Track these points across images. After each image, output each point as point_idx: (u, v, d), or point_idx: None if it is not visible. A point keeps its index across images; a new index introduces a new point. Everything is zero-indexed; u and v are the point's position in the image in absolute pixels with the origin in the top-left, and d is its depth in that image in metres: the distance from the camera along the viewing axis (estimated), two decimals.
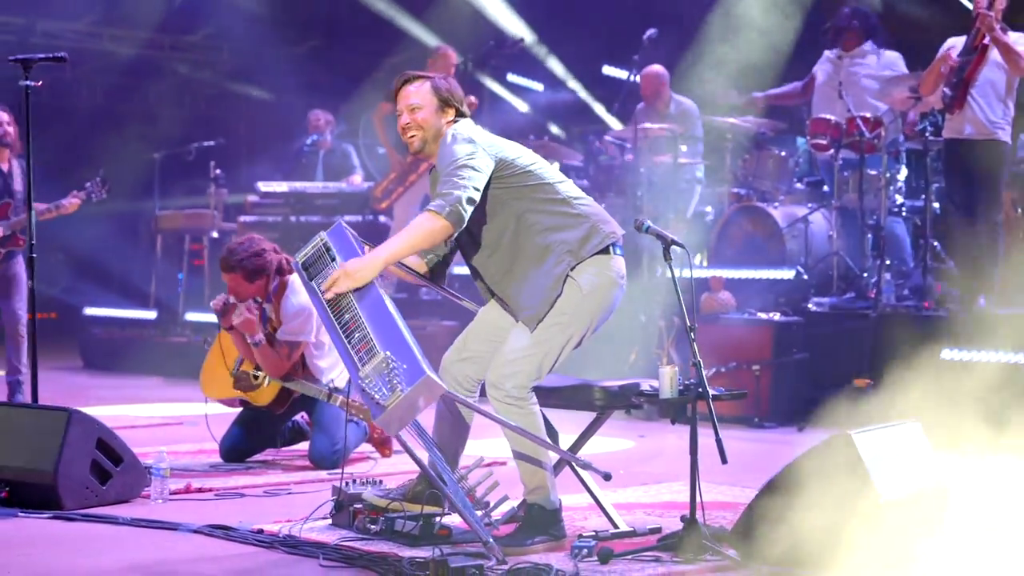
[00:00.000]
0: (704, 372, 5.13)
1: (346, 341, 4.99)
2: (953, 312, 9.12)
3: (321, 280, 5.24)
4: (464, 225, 5.19)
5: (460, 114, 5.52)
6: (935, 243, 9.91)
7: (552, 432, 5.61)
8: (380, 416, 4.76)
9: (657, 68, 11.93)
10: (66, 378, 12.60)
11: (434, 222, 5.14)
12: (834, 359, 9.35)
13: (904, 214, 10.23)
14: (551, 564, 4.85)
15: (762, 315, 9.70)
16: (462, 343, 5.60)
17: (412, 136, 5.49)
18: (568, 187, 5.46)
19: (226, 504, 6.35)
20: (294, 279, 7.28)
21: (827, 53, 10.95)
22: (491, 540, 4.99)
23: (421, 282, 5.72)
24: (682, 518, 5.16)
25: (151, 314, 13.94)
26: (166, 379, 12.30)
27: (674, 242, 5.29)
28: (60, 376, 12.53)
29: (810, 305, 9.80)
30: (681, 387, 5.23)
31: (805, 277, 10.13)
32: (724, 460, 4.99)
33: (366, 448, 7.74)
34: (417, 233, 5.17)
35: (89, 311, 14.63)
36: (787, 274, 10.20)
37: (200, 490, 6.61)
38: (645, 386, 5.39)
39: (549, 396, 5.45)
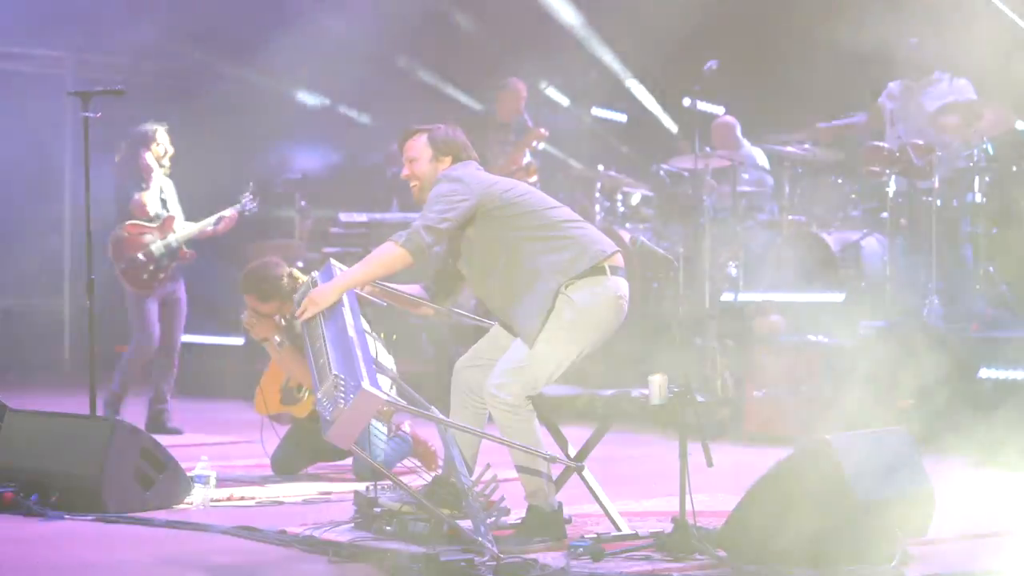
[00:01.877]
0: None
1: (314, 366, 5.39)
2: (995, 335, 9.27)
3: None
4: (425, 253, 5.56)
5: (460, 159, 5.87)
6: (990, 268, 10.06)
7: (561, 440, 5.93)
8: (328, 431, 5.10)
9: (728, 119, 12.13)
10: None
11: (392, 251, 5.54)
12: (882, 381, 9.48)
13: (962, 238, 10.34)
14: (537, 559, 5.13)
15: (812, 338, 9.85)
16: (476, 350, 5.95)
17: (413, 186, 5.91)
18: (560, 212, 5.78)
19: (264, 511, 6.69)
20: None
21: (891, 84, 11.09)
22: (483, 538, 5.26)
23: (418, 309, 6.05)
24: (672, 519, 5.42)
25: (239, 340, 14.38)
26: (247, 402, 12.65)
27: (665, 258, 5.57)
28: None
29: (860, 329, 9.93)
30: (671, 395, 5.49)
31: (857, 302, 10.26)
32: (710, 464, 5.28)
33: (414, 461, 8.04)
34: (374, 261, 5.60)
35: (183, 338, 15.07)
36: (838, 298, 10.34)
37: (242, 498, 6.98)
38: (635, 394, 5.66)
39: (548, 407, 5.73)
